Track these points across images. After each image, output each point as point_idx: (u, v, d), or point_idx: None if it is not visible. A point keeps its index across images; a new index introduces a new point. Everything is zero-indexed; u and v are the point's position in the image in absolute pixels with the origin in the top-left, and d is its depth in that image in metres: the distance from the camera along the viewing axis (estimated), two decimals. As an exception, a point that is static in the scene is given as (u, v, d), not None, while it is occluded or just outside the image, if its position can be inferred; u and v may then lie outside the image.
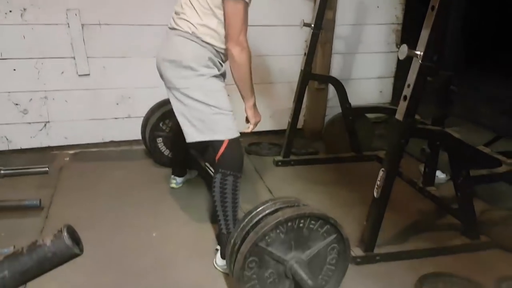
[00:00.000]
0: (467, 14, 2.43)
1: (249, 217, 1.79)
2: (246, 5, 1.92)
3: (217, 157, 2.04)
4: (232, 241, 1.79)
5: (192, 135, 2.07)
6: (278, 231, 1.69)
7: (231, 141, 2.03)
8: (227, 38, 1.98)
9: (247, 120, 2.18)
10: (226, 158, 2.04)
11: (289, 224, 1.70)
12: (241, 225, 1.79)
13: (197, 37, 1.99)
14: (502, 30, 3.53)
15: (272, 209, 1.77)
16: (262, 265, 1.72)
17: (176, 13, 2.08)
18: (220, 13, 1.95)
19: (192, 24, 1.98)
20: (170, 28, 2.09)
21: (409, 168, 3.04)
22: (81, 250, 0.94)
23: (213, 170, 2.17)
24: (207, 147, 2.76)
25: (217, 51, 2.03)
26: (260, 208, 1.79)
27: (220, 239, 2.13)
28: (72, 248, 0.88)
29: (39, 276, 0.93)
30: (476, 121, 3.35)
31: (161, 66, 2.11)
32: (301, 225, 1.72)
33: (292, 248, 1.74)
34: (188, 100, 2.03)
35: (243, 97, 2.11)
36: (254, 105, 2.14)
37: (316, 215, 1.73)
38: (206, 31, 1.98)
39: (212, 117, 2.02)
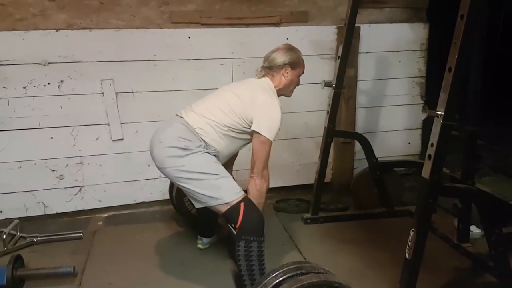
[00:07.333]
0: (486, 69, 2.42)
1: (272, 276, 1.74)
2: (271, 143, 2.21)
3: (238, 225, 2.07)
4: None
5: (200, 202, 2.19)
6: None
7: (247, 206, 2.09)
8: (252, 168, 2.23)
9: None
10: (246, 224, 2.07)
11: None
12: (263, 283, 1.75)
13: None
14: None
15: (298, 272, 1.73)
16: None
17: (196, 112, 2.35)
18: (236, 136, 2.29)
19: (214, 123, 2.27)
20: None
21: (443, 222, 2.95)
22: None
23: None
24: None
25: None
26: (285, 269, 1.76)
27: (247, 303, 2.11)
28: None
29: None
30: (508, 173, 3.26)
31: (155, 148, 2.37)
32: None
33: None
34: (187, 174, 2.16)
35: None
36: None
37: (342, 285, 1.67)
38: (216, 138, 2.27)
39: (214, 182, 2.14)
